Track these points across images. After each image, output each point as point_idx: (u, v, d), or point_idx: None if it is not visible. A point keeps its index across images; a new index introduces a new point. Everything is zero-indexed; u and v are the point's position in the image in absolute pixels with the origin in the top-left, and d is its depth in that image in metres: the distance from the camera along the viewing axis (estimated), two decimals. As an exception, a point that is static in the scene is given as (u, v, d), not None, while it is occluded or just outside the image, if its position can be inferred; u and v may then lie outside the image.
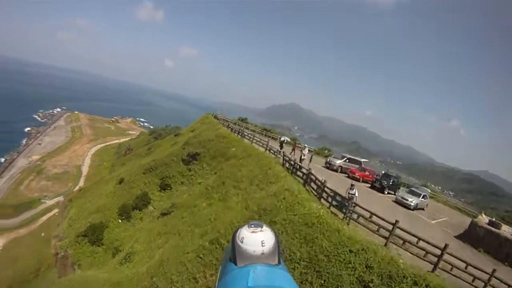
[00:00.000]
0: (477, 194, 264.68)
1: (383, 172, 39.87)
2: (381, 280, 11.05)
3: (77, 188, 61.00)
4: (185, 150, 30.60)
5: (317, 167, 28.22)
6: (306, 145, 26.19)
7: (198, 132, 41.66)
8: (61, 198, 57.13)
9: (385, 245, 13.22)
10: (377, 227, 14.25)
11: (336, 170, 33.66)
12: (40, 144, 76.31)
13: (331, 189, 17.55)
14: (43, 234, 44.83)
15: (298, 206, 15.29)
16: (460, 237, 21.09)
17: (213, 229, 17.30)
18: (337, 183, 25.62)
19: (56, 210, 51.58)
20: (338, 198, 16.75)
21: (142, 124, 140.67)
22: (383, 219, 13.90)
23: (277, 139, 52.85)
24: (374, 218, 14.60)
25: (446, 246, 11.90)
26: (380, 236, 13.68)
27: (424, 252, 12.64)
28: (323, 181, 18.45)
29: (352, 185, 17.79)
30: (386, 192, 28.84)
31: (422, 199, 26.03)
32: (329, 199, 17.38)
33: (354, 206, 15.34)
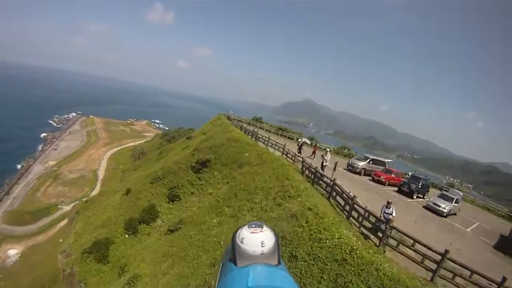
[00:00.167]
0: (496, 186, 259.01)
1: (410, 173, 36.00)
2: None
3: (93, 192, 60.17)
4: (194, 157, 27.93)
5: (338, 169, 25.19)
6: (328, 149, 22.83)
7: (210, 134, 39.11)
8: (77, 203, 57.93)
9: (432, 279, 10.72)
10: (421, 257, 11.21)
11: (359, 173, 30.62)
12: (56, 149, 76.07)
13: (362, 207, 14.41)
14: (61, 240, 44.23)
15: (325, 233, 12.17)
16: (499, 247, 18.44)
17: (222, 257, 14.41)
18: (364, 192, 22.67)
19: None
20: (371, 219, 13.68)
21: (157, 125, 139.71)
22: (429, 248, 10.93)
23: (293, 139, 49.73)
24: (418, 245, 11.51)
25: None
26: (426, 268, 10.94)
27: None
28: (352, 196, 15.30)
29: (388, 203, 14.50)
30: (415, 197, 25.99)
31: (455, 204, 23.55)
32: (359, 218, 14.31)
33: (391, 231, 12.30)
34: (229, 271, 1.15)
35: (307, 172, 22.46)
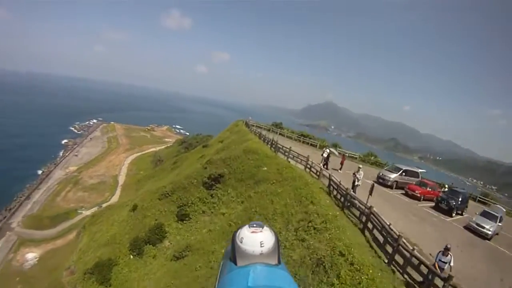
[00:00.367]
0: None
1: (446, 186, 31.40)
2: None
3: (113, 198, 59.41)
4: (206, 171, 24.84)
5: (366, 182, 21.58)
6: (360, 166, 19.02)
7: (227, 143, 36.27)
8: (97, 209, 56.91)
9: None
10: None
11: (390, 186, 26.69)
12: (76, 155, 76.17)
13: (409, 251, 10.71)
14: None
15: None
16: None
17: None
18: (399, 213, 19.00)
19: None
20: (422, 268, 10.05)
21: (178, 131, 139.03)
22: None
23: (316, 145, 45.82)
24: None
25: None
26: None
27: None
28: (396, 234, 11.64)
29: (446, 249, 10.71)
30: (454, 214, 22.36)
31: (499, 224, 20.31)
32: (405, 265, 10.72)
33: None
34: (229, 270, 1.14)
35: (335, 192, 18.86)
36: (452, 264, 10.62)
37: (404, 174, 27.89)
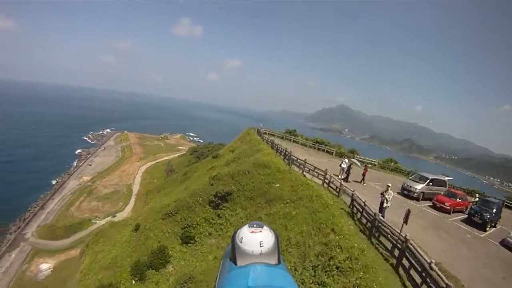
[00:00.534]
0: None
1: (476, 195, 27.85)
2: None
3: (127, 207, 59.27)
4: (213, 188, 22.34)
5: (379, 190, 18.70)
6: (389, 184, 16.05)
7: (237, 153, 33.83)
8: (111, 218, 55.23)
9: None
10: None
11: (416, 198, 23.76)
12: (90, 165, 75.74)
13: None
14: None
15: None
16: None
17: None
18: (431, 232, 16.62)
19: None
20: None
21: (191, 138, 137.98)
22: None
23: (332, 153, 42.67)
24: None
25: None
26: None
27: None
28: (445, 282, 8.77)
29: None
30: (488, 228, 19.97)
31: None
32: None
33: None
34: (229, 270, 1.14)
35: (358, 214, 16.00)
36: None
37: (431, 183, 24.92)
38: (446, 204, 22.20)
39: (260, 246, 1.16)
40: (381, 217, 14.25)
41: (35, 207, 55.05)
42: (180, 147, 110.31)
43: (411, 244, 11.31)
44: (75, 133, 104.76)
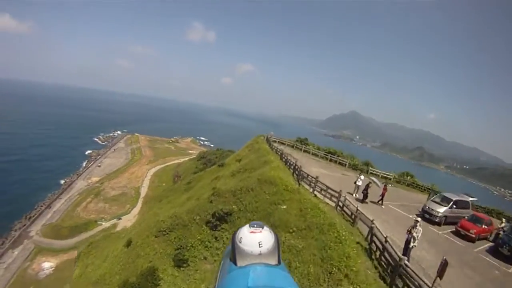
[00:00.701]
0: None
1: (503, 220, 24.05)
2: None
3: (134, 209, 58.05)
4: (212, 205, 19.58)
5: (401, 215, 15.48)
6: (418, 220, 12.90)
7: (243, 163, 31.19)
8: (116, 220, 54.21)
9: None
10: None
11: (438, 223, 20.67)
12: (99, 166, 74.63)
13: None
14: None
15: None
16: None
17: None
18: (459, 271, 13.48)
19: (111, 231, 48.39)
20: None
21: (202, 143, 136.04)
22: None
23: (345, 164, 39.40)
24: None
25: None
26: None
27: None
28: None
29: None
30: None
31: None
32: None
33: None
34: (229, 270, 1.12)
35: (378, 252, 12.98)
36: None
37: (454, 206, 21.58)
38: (471, 231, 19.26)
39: (259, 247, 1.12)
40: (407, 262, 11.18)
41: (42, 206, 54.55)
42: (190, 151, 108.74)
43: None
44: (86, 134, 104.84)
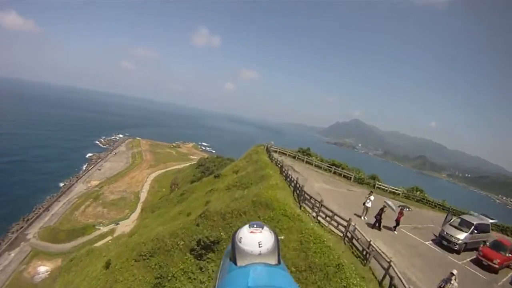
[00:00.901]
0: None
1: None
2: None
3: (133, 214, 56.80)
4: (198, 229, 16.59)
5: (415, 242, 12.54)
6: (454, 272, 9.74)
7: (240, 176, 28.36)
8: (114, 225, 53.01)
9: None
10: None
11: (458, 251, 17.51)
12: (99, 169, 72.45)
13: None
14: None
15: None
16: None
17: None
18: None
19: (109, 238, 47.00)
20: None
21: (204, 148, 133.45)
22: None
23: (350, 178, 36.20)
24: None
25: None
26: None
27: None
28: None
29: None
30: None
31: None
32: None
33: None
34: (229, 270, 1.10)
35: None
36: None
37: (475, 231, 18.43)
38: (494, 262, 16.27)
39: (259, 246, 1.09)
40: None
41: (40, 208, 52.88)
42: (191, 156, 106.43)
43: None
44: (88, 137, 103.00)
